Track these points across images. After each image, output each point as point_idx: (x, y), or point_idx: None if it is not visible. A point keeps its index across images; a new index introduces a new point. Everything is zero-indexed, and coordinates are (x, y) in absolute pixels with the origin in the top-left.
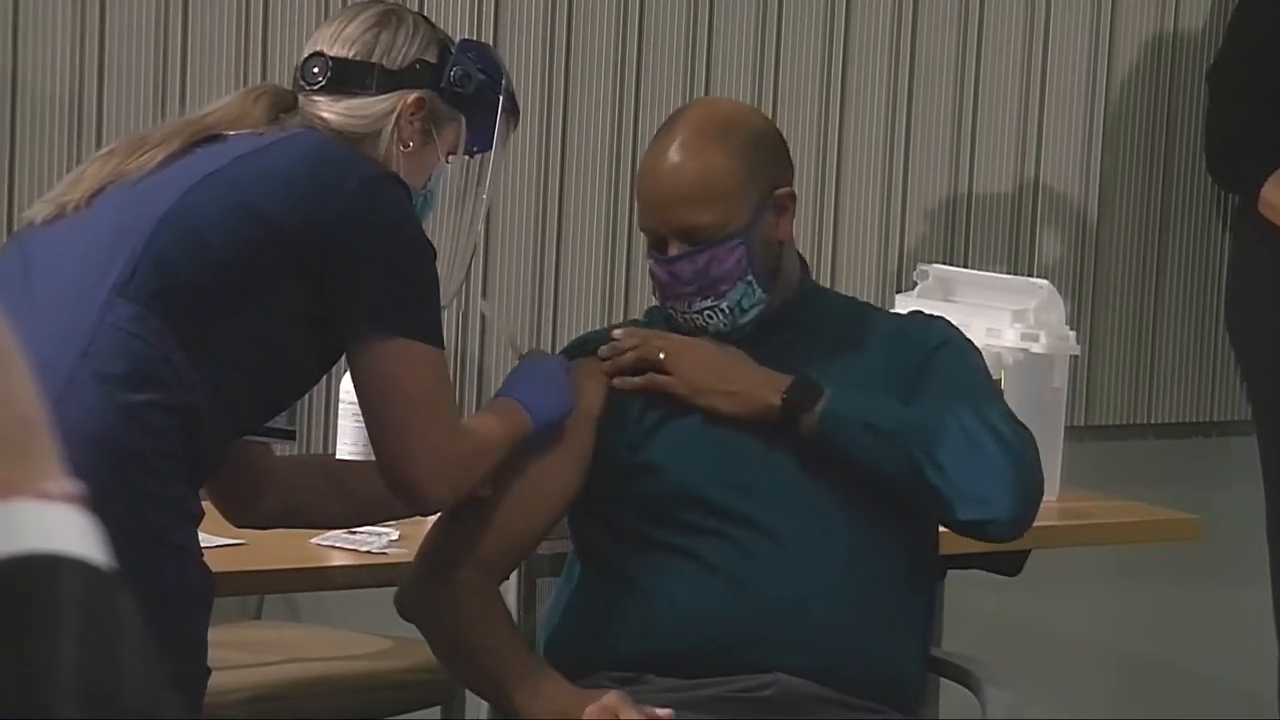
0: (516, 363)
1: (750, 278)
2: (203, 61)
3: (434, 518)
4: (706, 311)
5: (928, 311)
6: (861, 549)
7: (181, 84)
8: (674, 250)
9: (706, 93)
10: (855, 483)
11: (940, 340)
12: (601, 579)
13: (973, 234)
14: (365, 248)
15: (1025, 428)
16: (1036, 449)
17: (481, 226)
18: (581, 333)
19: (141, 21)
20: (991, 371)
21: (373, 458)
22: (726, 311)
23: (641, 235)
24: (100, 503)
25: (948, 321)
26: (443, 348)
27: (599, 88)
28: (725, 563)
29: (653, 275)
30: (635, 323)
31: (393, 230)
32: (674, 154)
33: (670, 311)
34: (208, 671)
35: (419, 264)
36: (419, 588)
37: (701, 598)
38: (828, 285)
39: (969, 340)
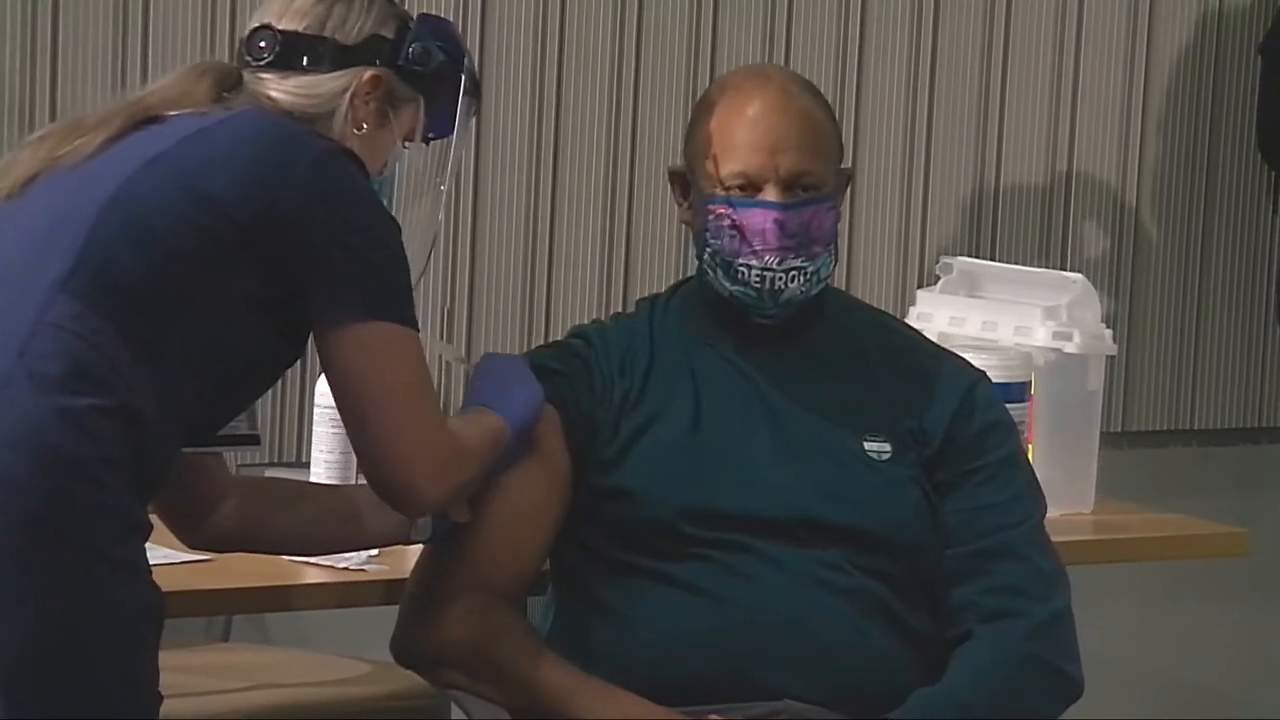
0: (473, 376)
1: (832, 247)
2: (165, 42)
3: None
4: (794, 272)
5: (955, 330)
6: (864, 565)
7: (142, 67)
8: (773, 197)
9: (712, 77)
10: (851, 499)
11: (991, 420)
12: (585, 609)
13: (1001, 224)
14: (324, 228)
15: (1062, 574)
16: (1069, 608)
17: (442, 216)
18: (575, 324)
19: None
20: (1021, 373)
21: (348, 475)
22: (809, 276)
23: (640, 220)
24: (37, 513)
25: (990, 381)
26: (417, 329)
27: (596, 68)
28: (717, 586)
29: (736, 226)
30: (622, 315)
31: (351, 207)
32: (780, 98)
33: (742, 267)
34: (159, 698)
35: (382, 240)
36: (420, 628)
37: (694, 623)
38: (844, 278)
39: (1011, 417)
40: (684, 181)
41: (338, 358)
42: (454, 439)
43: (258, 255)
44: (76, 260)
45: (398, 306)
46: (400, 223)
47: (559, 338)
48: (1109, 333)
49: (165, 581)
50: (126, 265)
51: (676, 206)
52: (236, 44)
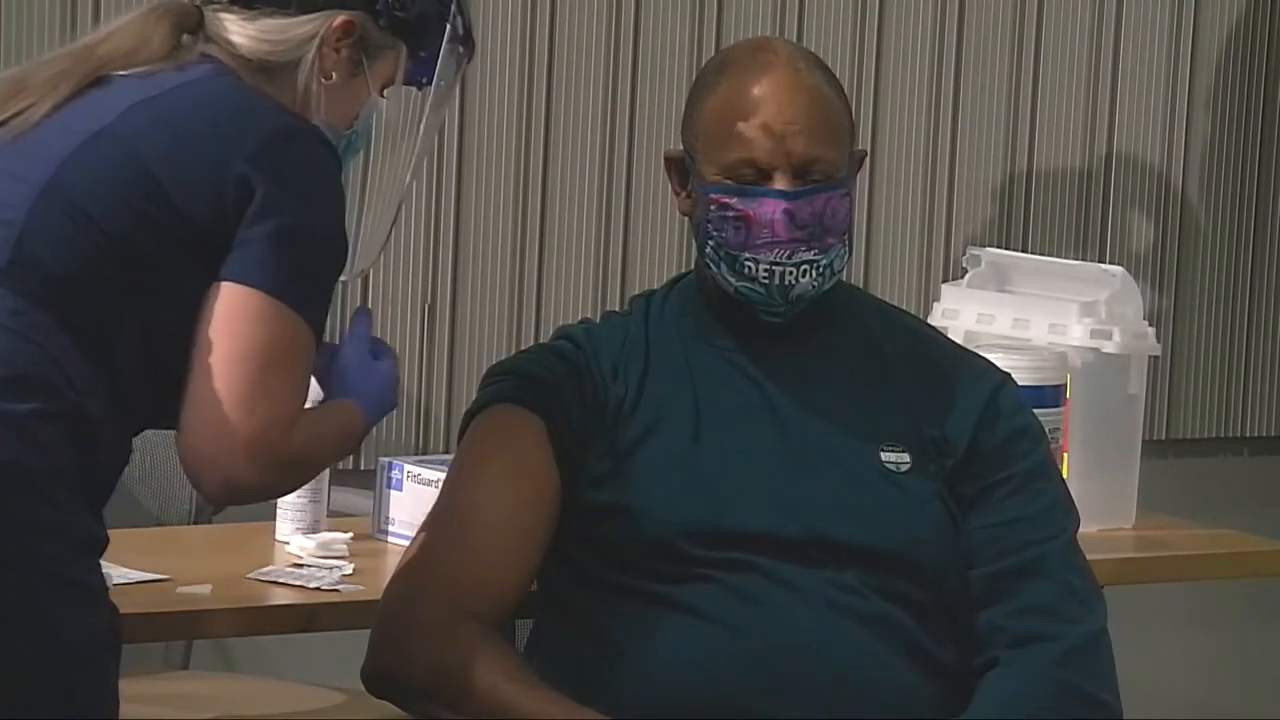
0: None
1: (847, 237)
2: None
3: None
4: (805, 265)
5: (983, 329)
6: (882, 588)
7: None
8: (782, 185)
9: (719, 44)
10: (868, 516)
11: (1018, 426)
12: (577, 636)
13: (1034, 212)
14: (261, 204)
15: (1098, 594)
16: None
17: (412, 180)
18: (562, 324)
19: None
20: (1055, 375)
21: None
22: (821, 269)
23: (640, 209)
24: None
25: (1015, 383)
26: (321, 333)
27: (591, 37)
28: (721, 611)
29: (742, 217)
30: (615, 314)
31: (295, 192)
32: (788, 75)
33: (748, 261)
34: None
35: (317, 233)
36: (395, 655)
37: (696, 651)
38: (861, 272)
39: (1039, 423)
40: (682, 168)
41: (218, 316)
42: (303, 438)
43: (202, 245)
44: (14, 250)
45: (306, 300)
46: (369, 181)
47: (549, 332)
48: (1152, 331)
49: (119, 604)
50: (68, 256)
51: (674, 196)
52: None
